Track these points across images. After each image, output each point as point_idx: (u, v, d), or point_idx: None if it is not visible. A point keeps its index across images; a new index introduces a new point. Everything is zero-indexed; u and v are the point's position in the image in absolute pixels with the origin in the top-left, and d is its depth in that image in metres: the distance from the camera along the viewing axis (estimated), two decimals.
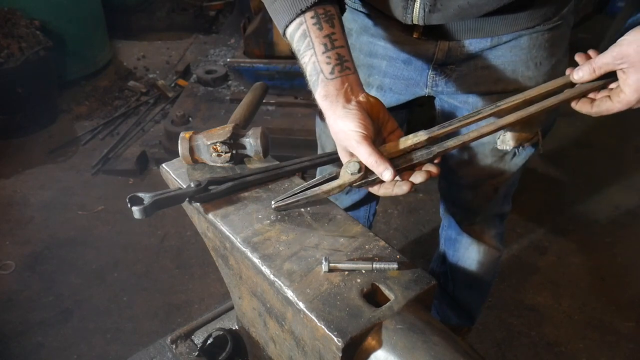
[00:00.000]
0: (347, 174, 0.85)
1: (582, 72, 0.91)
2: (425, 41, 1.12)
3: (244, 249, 0.85)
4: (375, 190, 0.88)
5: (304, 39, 0.85)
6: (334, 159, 1.05)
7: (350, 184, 0.86)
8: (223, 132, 1.00)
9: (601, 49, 0.91)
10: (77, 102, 3.64)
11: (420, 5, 0.99)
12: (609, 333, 2.14)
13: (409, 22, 1.04)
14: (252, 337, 1.04)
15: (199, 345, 1.35)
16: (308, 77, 0.86)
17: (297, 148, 2.78)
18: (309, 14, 0.84)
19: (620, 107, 0.90)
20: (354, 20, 1.21)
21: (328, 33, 0.84)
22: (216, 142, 0.99)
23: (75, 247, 2.49)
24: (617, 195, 2.88)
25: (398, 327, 0.73)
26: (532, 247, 2.55)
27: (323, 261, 0.80)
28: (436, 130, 0.88)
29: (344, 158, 0.87)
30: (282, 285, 0.78)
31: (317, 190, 0.89)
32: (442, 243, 1.74)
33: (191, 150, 1.01)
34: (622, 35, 0.87)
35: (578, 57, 0.95)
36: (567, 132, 3.34)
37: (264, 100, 1.27)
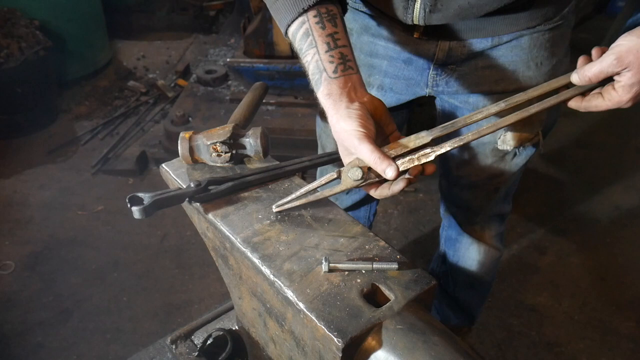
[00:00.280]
0: (349, 180, 0.84)
1: (578, 78, 0.90)
2: (426, 41, 1.12)
3: (244, 249, 0.85)
4: (372, 192, 0.88)
5: (306, 38, 0.85)
6: (334, 159, 1.05)
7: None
8: (223, 132, 1.00)
9: None
10: (77, 102, 3.64)
11: (420, 5, 0.99)
12: (609, 333, 2.14)
13: (410, 22, 1.04)
14: (252, 337, 1.04)
15: (198, 346, 1.34)
16: (310, 76, 0.86)
17: (297, 148, 2.78)
18: (311, 13, 0.84)
19: (610, 105, 0.89)
20: (355, 20, 1.21)
21: (331, 32, 0.84)
22: (216, 142, 0.99)
23: (75, 247, 2.49)
24: (617, 195, 2.88)
25: (398, 328, 0.73)
26: (532, 247, 2.55)
27: (323, 261, 0.80)
28: (439, 132, 0.87)
29: (344, 158, 0.87)
30: (282, 285, 0.78)
31: (318, 195, 0.89)
32: (443, 243, 1.74)
33: (191, 150, 1.00)
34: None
35: (581, 61, 0.94)
36: (567, 132, 3.34)
37: (264, 100, 1.27)
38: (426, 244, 2.54)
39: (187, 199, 0.92)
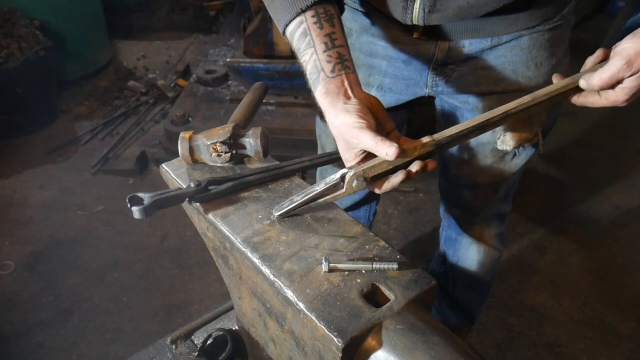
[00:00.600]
0: (351, 187, 0.85)
1: (587, 87, 0.90)
2: (425, 41, 1.12)
3: (244, 249, 0.85)
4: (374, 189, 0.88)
5: (304, 38, 0.85)
6: (334, 159, 1.05)
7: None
8: (223, 132, 1.00)
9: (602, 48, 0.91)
10: (77, 102, 3.64)
11: (420, 5, 0.99)
12: (609, 333, 2.14)
13: (409, 22, 1.04)
14: (252, 337, 1.04)
15: (198, 346, 1.34)
16: (308, 75, 0.87)
17: (297, 148, 2.78)
18: (309, 13, 0.84)
19: (607, 103, 0.89)
20: (354, 20, 1.21)
21: (328, 32, 0.84)
22: (216, 142, 0.99)
23: (75, 247, 2.49)
24: (617, 195, 2.88)
25: (398, 327, 0.73)
26: (532, 247, 2.55)
27: (323, 261, 0.80)
28: (444, 141, 0.87)
29: (344, 153, 0.87)
30: (282, 285, 0.78)
31: (320, 201, 0.90)
32: (442, 243, 1.74)
33: (191, 150, 1.01)
34: (622, 35, 0.86)
35: (590, 60, 0.93)
36: (567, 132, 3.34)
37: (264, 100, 1.27)
38: (426, 244, 2.54)
39: (187, 199, 0.92)
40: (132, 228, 2.58)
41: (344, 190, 0.86)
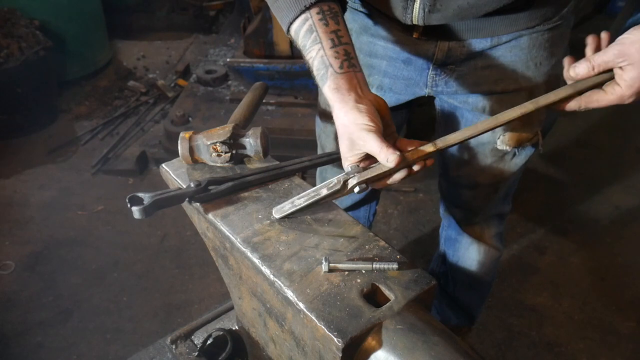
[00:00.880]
0: (352, 190, 0.86)
1: (580, 69, 0.91)
2: (425, 41, 1.12)
3: (244, 249, 0.85)
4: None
5: (310, 34, 0.85)
6: (334, 159, 1.05)
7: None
8: (223, 132, 1.00)
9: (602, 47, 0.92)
10: (77, 102, 3.64)
11: (420, 5, 0.99)
12: (609, 333, 2.14)
13: (409, 22, 1.04)
14: (252, 337, 1.04)
15: (198, 346, 1.35)
16: (315, 71, 0.86)
17: (297, 148, 2.78)
18: (314, 10, 0.85)
19: (613, 99, 0.90)
20: (354, 20, 1.21)
21: (334, 29, 0.85)
22: (216, 142, 0.99)
23: (75, 247, 2.49)
24: (617, 195, 2.88)
25: (398, 327, 0.73)
26: (532, 247, 2.55)
27: (323, 261, 0.80)
28: (446, 147, 0.88)
29: (346, 152, 0.87)
30: (282, 285, 0.78)
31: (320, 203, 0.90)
32: (442, 243, 1.74)
33: (191, 150, 1.01)
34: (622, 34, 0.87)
35: (590, 40, 0.94)
36: (567, 132, 3.34)
37: (264, 100, 1.27)
38: (426, 244, 2.54)
39: (187, 199, 0.92)
40: (132, 228, 2.58)
41: (344, 191, 0.87)
